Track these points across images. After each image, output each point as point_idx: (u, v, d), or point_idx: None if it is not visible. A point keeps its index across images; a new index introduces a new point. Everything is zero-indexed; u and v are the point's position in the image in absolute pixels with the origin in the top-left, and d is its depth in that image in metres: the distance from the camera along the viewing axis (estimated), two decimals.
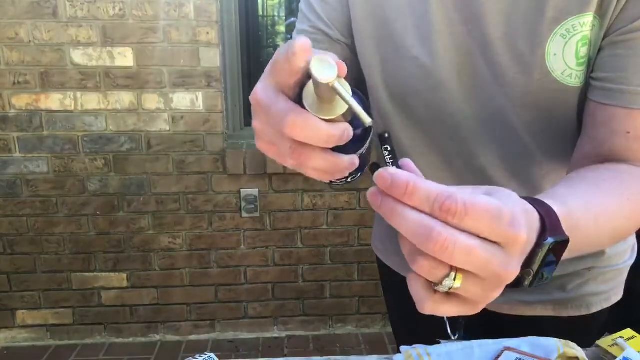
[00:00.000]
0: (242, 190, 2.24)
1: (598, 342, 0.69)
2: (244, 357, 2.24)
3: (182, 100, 2.12)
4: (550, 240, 0.40)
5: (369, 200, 0.37)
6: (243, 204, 2.25)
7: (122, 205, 2.23)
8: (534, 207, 0.40)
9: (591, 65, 0.60)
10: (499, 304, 0.83)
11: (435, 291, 0.37)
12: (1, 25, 1.99)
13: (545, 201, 0.43)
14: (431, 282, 0.36)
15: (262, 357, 2.25)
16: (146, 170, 2.20)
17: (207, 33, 2.06)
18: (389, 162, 0.37)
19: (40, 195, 2.19)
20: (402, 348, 0.69)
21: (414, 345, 0.68)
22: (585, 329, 0.80)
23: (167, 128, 2.15)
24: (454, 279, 0.35)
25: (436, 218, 0.34)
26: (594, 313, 0.81)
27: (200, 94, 2.12)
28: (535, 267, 0.40)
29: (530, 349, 0.66)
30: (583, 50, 0.59)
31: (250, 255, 2.34)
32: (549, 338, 0.67)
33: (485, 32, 0.62)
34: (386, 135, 0.37)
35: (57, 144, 2.14)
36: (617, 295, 0.84)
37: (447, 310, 0.37)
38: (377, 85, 0.72)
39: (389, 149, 0.37)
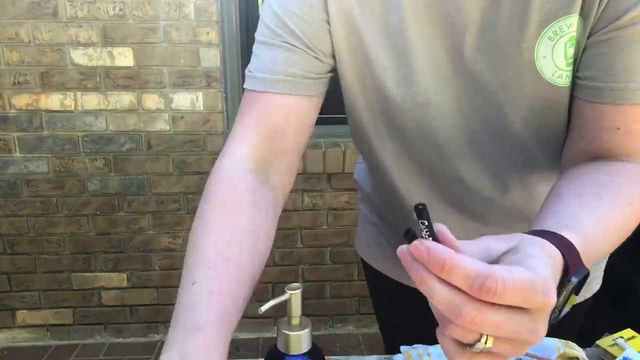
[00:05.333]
0: None
1: (598, 342, 0.69)
2: (244, 357, 2.24)
3: (182, 100, 2.12)
4: (574, 280, 0.42)
5: (399, 256, 0.38)
6: None
7: (122, 205, 2.23)
8: (555, 246, 0.42)
9: (576, 65, 0.60)
10: None
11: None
12: (1, 25, 1.99)
13: (564, 234, 0.44)
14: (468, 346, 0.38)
15: (262, 357, 2.24)
16: (146, 170, 2.20)
17: (207, 33, 2.06)
18: (425, 235, 0.38)
19: (40, 195, 2.19)
20: (402, 348, 0.69)
21: (414, 345, 0.68)
22: (569, 320, 0.81)
23: (167, 128, 2.15)
24: (485, 343, 0.37)
25: (474, 296, 0.35)
26: (578, 303, 0.82)
27: (200, 94, 2.12)
28: (560, 305, 0.42)
29: (530, 349, 0.66)
30: (571, 51, 0.59)
31: None
32: (549, 338, 0.67)
33: (468, 43, 0.61)
34: (420, 207, 0.38)
35: (57, 144, 2.14)
36: (597, 284, 0.86)
37: None
38: (359, 106, 0.71)
39: (426, 223, 0.38)
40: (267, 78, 0.65)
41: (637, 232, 0.56)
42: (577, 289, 0.43)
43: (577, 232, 0.45)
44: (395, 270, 0.91)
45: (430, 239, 0.38)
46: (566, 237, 0.44)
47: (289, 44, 0.64)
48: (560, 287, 0.41)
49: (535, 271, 0.36)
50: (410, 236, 0.38)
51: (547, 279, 0.37)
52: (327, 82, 0.70)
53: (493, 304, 0.35)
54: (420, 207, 0.37)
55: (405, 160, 0.74)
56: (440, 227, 0.39)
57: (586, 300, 0.83)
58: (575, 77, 0.60)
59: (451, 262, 0.35)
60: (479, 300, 0.35)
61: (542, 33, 0.58)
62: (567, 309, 0.44)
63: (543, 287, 0.36)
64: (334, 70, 0.70)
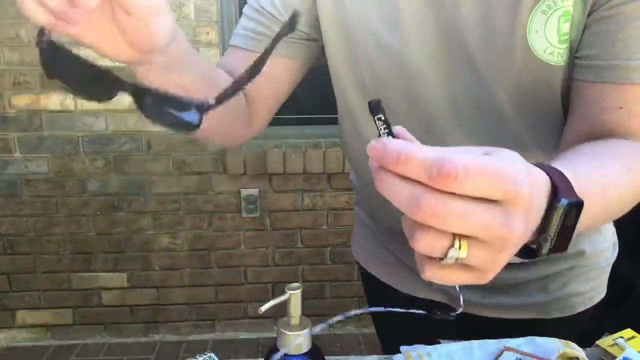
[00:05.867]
0: (242, 190, 2.24)
1: (598, 342, 0.69)
2: (244, 357, 2.24)
3: None
4: (564, 201, 0.38)
5: (370, 166, 0.35)
6: (243, 204, 2.25)
7: (122, 205, 2.23)
8: (542, 170, 0.39)
9: (575, 46, 0.59)
10: (480, 307, 0.82)
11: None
12: (1, 25, 1.99)
13: (554, 165, 0.41)
14: (437, 258, 0.34)
15: (262, 357, 2.24)
16: (146, 171, 2.20)
17: (207, 33, 2.06)
18: (383, 133, 0.35)
19: (40, 196, 2.19)
20: (402, 348, 0.69)
21: (414, 345, 0.68)
22: (570, 330, 0.80)
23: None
24: (459, 248, 0.33)
25: (434, 185, 0.32)
26: (578, 313, 0.81)
27: None
28: (552, 232, 0.38)
29: (530, 349, 0.66)
30: (565, 27, 0.57)
31: (250, 255, 2.34)
32: (549, 338, 0.67)
33: (460, 15, 0.60)
34: (374, 101, 0.35)
35: (57, 144, 2.14)
36: (600, 294, 0.84)
37: (451, 277, 0.35)
38: (343, 79, 0.71)
39: (382, 118, 0.35)
40: (235, 33, 0.76)
41: (636, 232, 0.56)
42: (573, 217, 0.39)
43: (569, 170, 0.41)
44: (390, 275, 0.90)
45: (390, 137, 0.35)
46: (556, 167, 0.40)
47: (263, 8, 0.71)
48: (550, 211, 0.38)
49: (504, 162, 0.33)
50: (373, 105, 0.35)
51: (517, 168, 0.33)
52: (291, 44, 0.72)
53: (457, 194, 0.32)
54: (374, 101, 0.35)
55: None
56: (398, 128, 0.36)
57: (587, 310, 0.82)
58: (574, 59, 0.59)
59: (406, 154, 0.32)
60: (441, 190, 0.32)
61: (537, 6, 0.57)
62: (566, 243, 0.39)
63: (513, 174, 0.32)
64: (308, 40, 0.72)
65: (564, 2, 0.56)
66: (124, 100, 2.10)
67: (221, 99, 0.41)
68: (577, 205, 0.39)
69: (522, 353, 0.65)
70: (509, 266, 0.77)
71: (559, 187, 0.38)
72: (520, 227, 0.34)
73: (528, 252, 0.40)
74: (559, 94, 0.62)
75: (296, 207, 2.29)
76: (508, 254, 0.35)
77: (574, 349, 0.65)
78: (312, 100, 2.32)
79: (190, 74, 0.57)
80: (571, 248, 0.77)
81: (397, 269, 0.88)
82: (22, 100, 2.08)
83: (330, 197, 2.29)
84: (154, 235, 2.27)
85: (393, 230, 0.87)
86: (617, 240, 0.86)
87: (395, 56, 0.65)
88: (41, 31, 0.39)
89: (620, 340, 0.68)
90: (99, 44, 0.45)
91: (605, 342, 0.68)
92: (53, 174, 2.17)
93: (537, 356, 0.64)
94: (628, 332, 0.70)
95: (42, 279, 2.29)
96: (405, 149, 0.32)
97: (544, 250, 0.39)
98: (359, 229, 0.97)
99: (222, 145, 1.97)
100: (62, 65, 0.39)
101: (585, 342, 0.70)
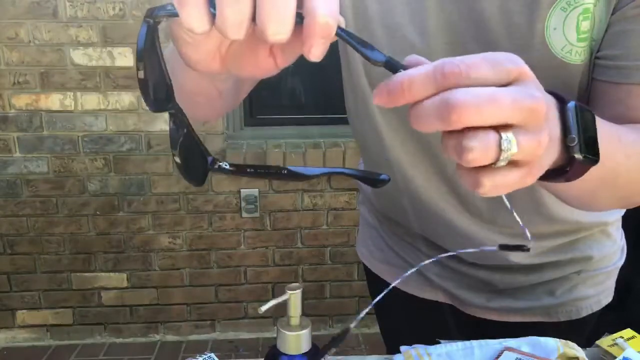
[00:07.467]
0: (242, 190, 2.24)
1: (598, 342, 0.69)
2: (244, 357, 2.24)
3: None
4: (571, 103, 0.38)
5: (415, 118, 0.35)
6: (243, 204, 2.25)
7: (122, 205, 2.23)
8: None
9: (597, 45, 0.57)
10: (485, 311, 0.82)
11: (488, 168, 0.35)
12: (1, 25, 1.99)
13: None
14: (490, 165, 0.34)
15: (262, 357, 2.24)
16: (146, 170, 2.20)
17: None
18: None
19: (40, 195, 2.19)
20: (402, 348, 0.69)
21: (414, 345, 0.68)
22: (576, 333, 0.79)
23: (167, 128, 2.14)
24: (510, 141, 0.33)
25: (445, 90, 0.33)
26: (584, 317, 0.80)
27: None
28: (575, 129, 0.38)
29: (530, 349, 0.66)
30: (585, 25, 0.55)
31: (250, 255, 2.34)
32: (549, 338, 0.67)
33: (477, 9, 0.59)
34: (389, 61, 0.35)
35: (57, 144, 2.14)
36: (607, 297, 0.83)
37: (507, 180, 0.35)
38: (358, 69, 0.69)
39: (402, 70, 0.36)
40: None
41: (636, 232, 0.55)
42: (589, 121, 0.38)
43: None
44: (395, 275, 0.90)
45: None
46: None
47: None
48: (564, 113, 0.38)
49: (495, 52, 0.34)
50: (388, 65, 0.36)
51: (507, 53, 0.35)
52: None
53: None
54: (386, 61, 0.35)
55: (407, 142, 0.71)
56: (409, 58, 0.36)
57: (594, 313, 0.82)
58: (596, 59, 0.57)
59: (408, 78, 0.33)
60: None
61: (556, 3, 0.55)
62: (594, 152, 0.39)
63: (506, 55, 0.34)
64: None
65: None
66: (124, 100, 2.10)
67: (241, 169, 0.39)
68: (586, 111, 0.39)
69: (522, 353, 0.65)
70: (516, 269, 0.78)
71: (564, 97, 0.39)
72: (541, 95, 0.35)
73: (564, 158, 0.40)
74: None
75: (296, 207, 2.29)
76: (546, 135, 0.35)
77: (574, 349, 0.65)
78: (312, 100, 2.32)
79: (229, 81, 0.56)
80: (579, 252, 0.78)
81: (402, 270, 0.88)
82: (22, 100, 2.08)
83: (330, 197, 2.29)
84: (154, 235, 2.28)
85: (399, 230, 0.86)
86: (625, 244, 0.85)
87: (413, 49, 0.62)
88: (153, 11, 0.37)
89: (620, 340, 0.68)
90: (197, 47, 0.40)
91: (605, 342, 0.68)
92: (53, 174, 2.17)
93: (537, 356, 0.64)
94: (628, 332, 0.70)
95: (42, 279, 2.29)
96: (405, 75, 0.33)
97: (577, 154, 0.39)
98: (364, 229, 0.97)
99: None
100: (148, 51, 0.37)
101: (585, 342, 0.70)
